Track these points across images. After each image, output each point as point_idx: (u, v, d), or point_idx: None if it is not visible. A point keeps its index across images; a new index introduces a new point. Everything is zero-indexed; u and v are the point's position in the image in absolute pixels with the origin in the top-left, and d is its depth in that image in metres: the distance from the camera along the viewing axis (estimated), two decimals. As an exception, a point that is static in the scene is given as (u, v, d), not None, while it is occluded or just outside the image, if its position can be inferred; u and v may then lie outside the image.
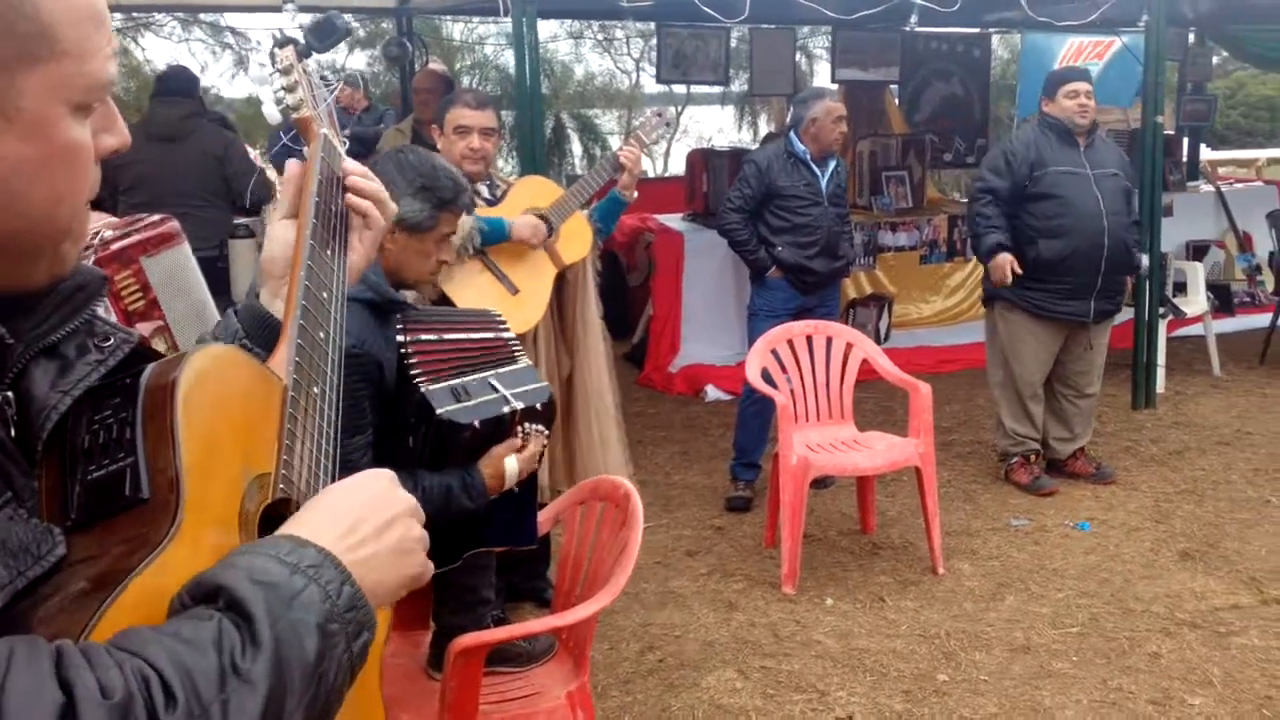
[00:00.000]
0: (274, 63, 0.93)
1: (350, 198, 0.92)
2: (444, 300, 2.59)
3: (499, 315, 1.91)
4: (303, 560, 0.63)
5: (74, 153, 0.63)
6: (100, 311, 0.72)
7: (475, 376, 1.76)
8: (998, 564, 3.21)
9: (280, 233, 0.91)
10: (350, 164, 0.93)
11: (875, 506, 3.50)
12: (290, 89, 0.93)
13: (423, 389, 1.69)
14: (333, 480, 0.79)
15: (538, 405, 1.77)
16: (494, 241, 2.63)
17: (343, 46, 13.46)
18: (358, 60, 12.21)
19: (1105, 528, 3.47)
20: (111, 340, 0.71)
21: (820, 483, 3.67)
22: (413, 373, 1.71)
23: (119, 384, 0.68)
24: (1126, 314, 4.32)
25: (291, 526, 0.69)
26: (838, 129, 3.66)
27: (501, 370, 1.80)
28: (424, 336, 1.78)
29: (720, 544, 3.41)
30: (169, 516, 0.63)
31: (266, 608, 0.60)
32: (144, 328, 1.90)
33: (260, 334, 0.88)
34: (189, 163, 4.02)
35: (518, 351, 1.84)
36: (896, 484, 3.79)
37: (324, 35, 0.99)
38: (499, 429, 1.74)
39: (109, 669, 0.54)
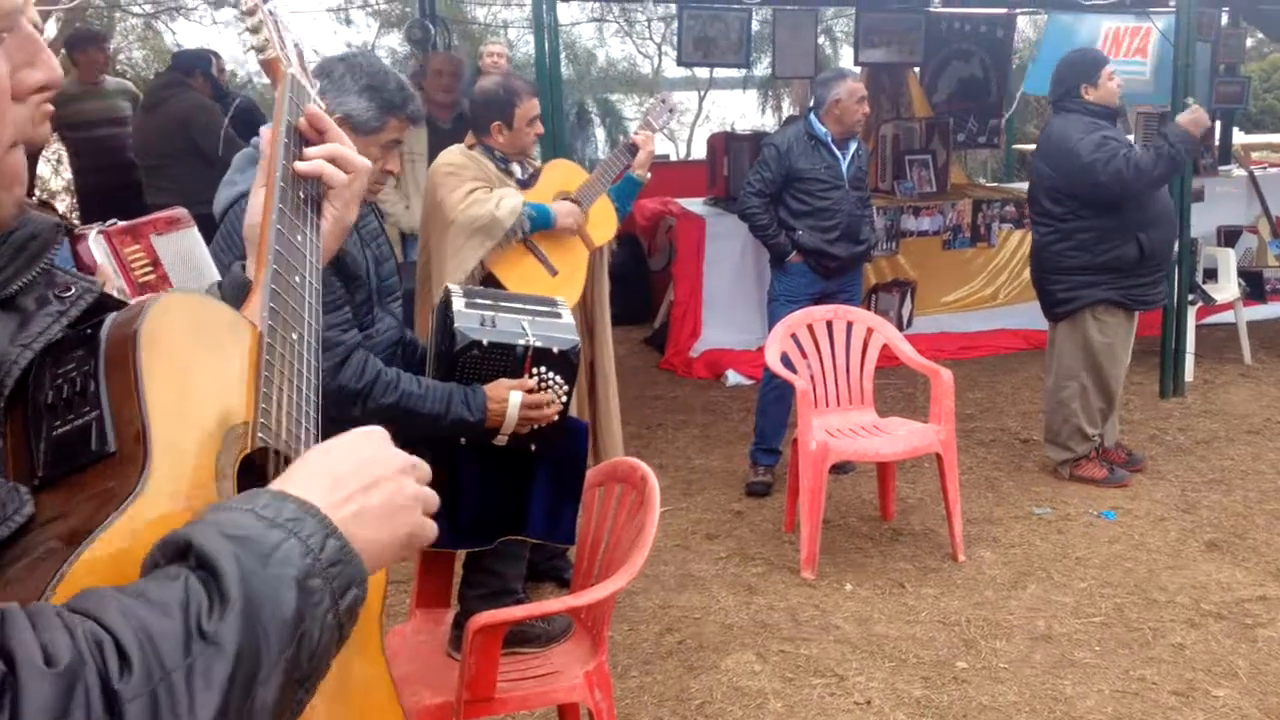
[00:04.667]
0: (237, 4, 0.90)
1: (301, 165, 0.87)
2: (491, 280, 2.65)
3: (561, 303, 1.93)
4: (280, 514, 0.60)
5: None
6: (57, 260, 0.69)
7: (511, 315, 1.78)
8: (1020, 552, 3.19)
9: (260, 200, 0.88)
10: (313, 111, 0.88)
11: (896, 493, 3.48)
12: (255, 30, 0.89)
13: (455, 309, 1.73)
14: (316, 427, 0.77)
15: (554, 349, 1.76)
16: (540, 228, 2.73)
17: (372, 27, 13.51)
18: (390, 41, 12.24)
19: (1130, 517, 3.42)
20: (73, 290, 0.68)
21: (840, 468, 3.65)
22: (454, 304, 1.73)
23: (81, 335, 0.66)
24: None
25: (279, 480, 0.65)
26: (861, 109, 3.61)
27: (539, 318, 1.81)
28: (480, 300, 1.82)
29: (740, 528, 3.41)
30: (136, 470, 0.61)
31: (237, 563, 0.56)
32: None
33: (238, 297, 0.84)
34: (160, 126, 4.55)
35: (566, 316, 1.86)
36: (917, 470, 3.76)
37: None
38: (509, 358, 1.74)
39: (56, 631, 0.50)
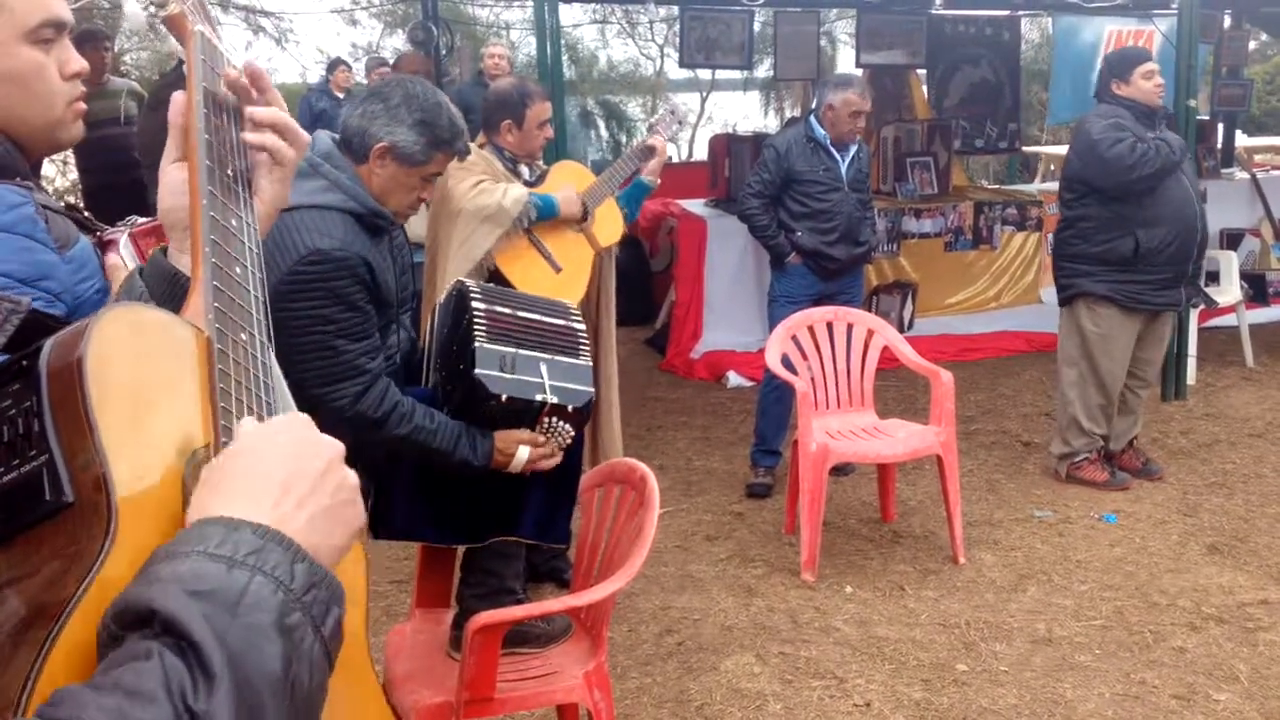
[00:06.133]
0: None
1: (250, 135, 0.78)
2: (496, 276, 2.67)
3: (575, 310, 1.93)
4: (239, 549, 0.54)
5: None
6: None
7: (529, 354, 1.76)
8: (1020, 555, 3.18)
9: (174, 177, 0.79)
10: (255, 68, 0.78)
11: (896, 495, 3.48)
12: None
13: (478, 343, 1.70)
14: None
15: (570, 407, 1.76)
16: (545, 216, 2.75)
17: (378, 28, 13.53)
18: (394, 42, 12.27)
19: (1131, 520, 3.42)
20: None
21: (841, 470, 3.65)
22: (476, 328, 1.72)
23: (15, 367, 0.58)
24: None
25: (210, 501, 0.58)
26: (853, 123, 3.59)
27: (559, 358, 1.79)
28: (499, 309, 1.79)
29: (740, 529, 3.41)
30: (100, 522, 0.54)
31: (210, 625, 0.50)
32: None
33: (166, 291, 0.77)
34: (164, 126, 4.77)
35: (584, 346, 1.84)
36: (918, 472, 3.76)
37: None
38: (526, 412, 1.74)
39: None
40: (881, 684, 2.47)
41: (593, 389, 1.82)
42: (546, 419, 1.76)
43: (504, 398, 1.70)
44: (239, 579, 0.53)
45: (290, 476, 0.59)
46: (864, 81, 3.69)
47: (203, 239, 0.70)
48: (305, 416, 0.65)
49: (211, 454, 0.63)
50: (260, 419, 0.67)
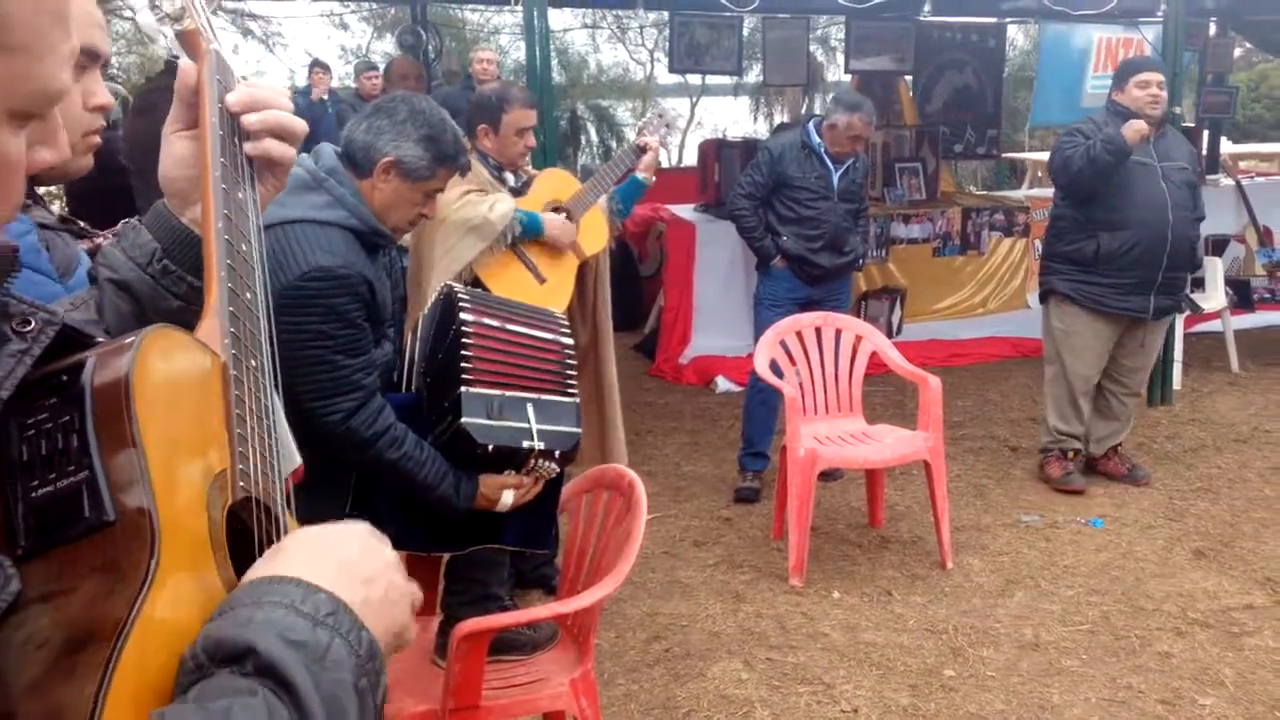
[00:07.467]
0: None
1: (249, 148, 0.78)
2: (479, 287, 2.66)
3: (563, 319, 1.92)
4: (319, 610, 0.56)
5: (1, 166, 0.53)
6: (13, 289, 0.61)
7: (516, 395, 1.75)
8: (1008, 560, 3.19)
9: (178, 148, 0.78)
10: (240, 97, 0.77)
11: (884, 500, 3.48)
12: None
13: (463, 389, 1.70)
14: (281, 464, 0.71)
15: (557, 452, 1.78)
16: (529, 235, 2.74)
17: (368, 32, 13.50)
18: (384, 46, 12.26)
19: (1118, 525, 3.43)
20: (32, 324, 0.60)
21: (829, 475, 3.65)
22: (464, 365, 1.71)
23: (53, 381, 0.59)
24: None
25: (281, 565, 0.60)
26: (850, 146, 3.61)
27: (545, 398, 1.79)
28: (488, 320, 1.78)
29: (728, 535, 3.40)
30: (144, 545, 0.55)
31: (307, 673, 0.53)
32: None
33: (182, 252, 0.77)
34: (150, 131, 4.84)
35: (571, 375, 1.84)
36: (906, 478, 3.77)
37: None
38: (512, 458, 1.76)
39: None
40: (869, 689, 2.47)
41: (579, 429, 1.82)
42: (533, 460, 1.78)
43: (490, 448, 1.72)
44: (323, 637, 0.55)
45: (350, 562, 0.62)
46: (872, 109, 3.65)
47: (218, 262, 0.71)
48: (367, 525, 0.68)
49: (230, 479, 0.65)
50: (269, 449, 0.70)
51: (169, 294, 0.78)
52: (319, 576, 0.59)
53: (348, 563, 0.62)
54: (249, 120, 0.78)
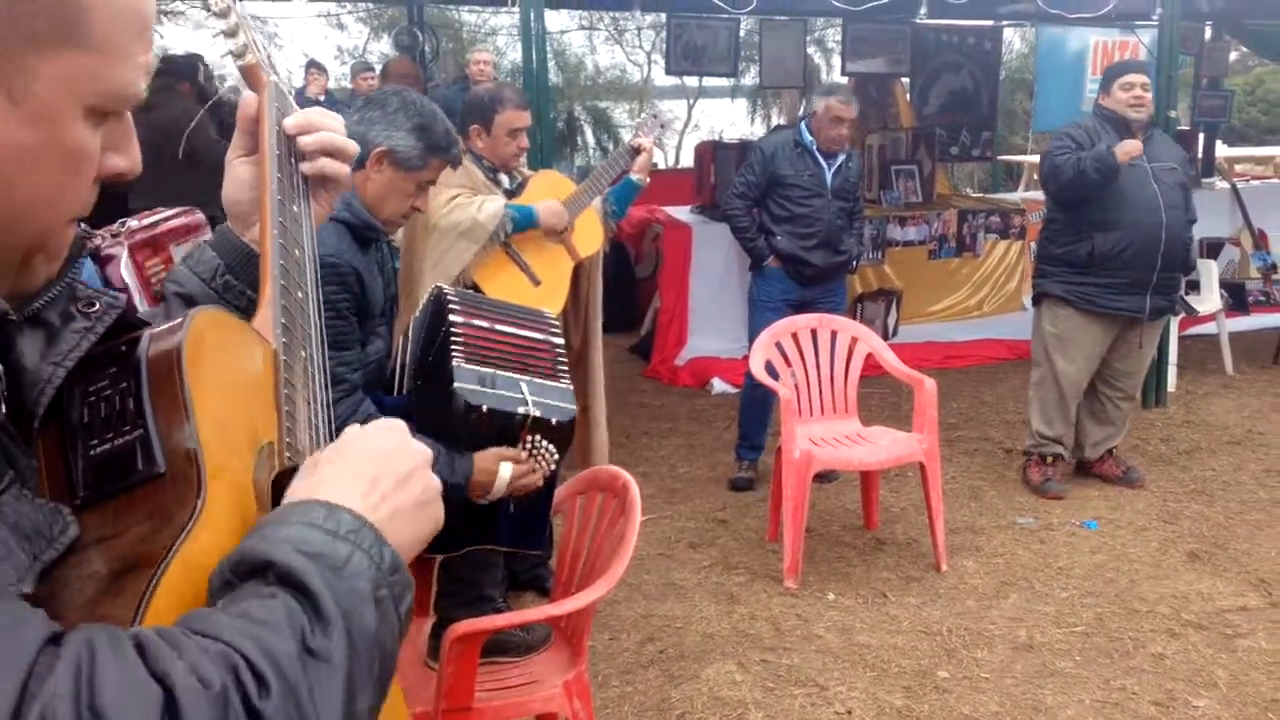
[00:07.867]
0: (208, 6, 0.82)
1: (307, 165, 0.85)
2: (474, 290, 2.64)
3: (554, 320, 1.91)
4: (340, 526, 0.60)
5: (76, 157, 0.59)
6: (83, 275, 0.68)
7: (509, 374, 1.73)
8: (1002, 561, 3.19)
9: (240, 172, 0.85)
10: (297, 121, 0.84)
11: (879, 502, 3.48)
12: (231, 33, 0.82)
13: (455, 362, 1.68)
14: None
15: (553, 420, 1.72)
16: (523, 228, 2.71)
17: (364, 32, 13.50)
18: (380, 47, 12.26)
19: (1112, 527, 3.44)
20: (97, 305, 0.67)
21: (824, 477, 3.65)
22: (454, 347, 1.69)
23: (112, 353, 0.65)
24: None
25: (309, 487, 0.64)
26: (835, 130, 3.60)
27: (537, 380, 1.77)
28: (477, 321, 1.77)
29: (723, 536, 3.40)
30: (191, 490, 0.60)
31: (324, 580, 0.57)
32: None
33: (243, 269, 0.84)
34: (146, 130, 4.95)
35: (562, 369, 1.81)
36: (901, 480, 3.77)
37: None
38: (507, 426, 1.70)
39: (199, 656, 0.51)
40: (863, 691, 2.47)
41: (575, 407, 1.78)
42: (529, 436, 1.71)
43: (485, 409, 1.66)
44: (342, 549, 0.59)
45: (380, 474, 0.66)
46: (850, 91, 3.69)
47: (272, 263, 0.78)
48: (400, 422, 0.72)
49: (277, 450, 0.71)
50: (316, 429, 0.75)
51: (231, 306, 0.83)
52: (347, 496, 0.63)
53: (377, 475, 0.66)
54: (305, 141, 0.84)
